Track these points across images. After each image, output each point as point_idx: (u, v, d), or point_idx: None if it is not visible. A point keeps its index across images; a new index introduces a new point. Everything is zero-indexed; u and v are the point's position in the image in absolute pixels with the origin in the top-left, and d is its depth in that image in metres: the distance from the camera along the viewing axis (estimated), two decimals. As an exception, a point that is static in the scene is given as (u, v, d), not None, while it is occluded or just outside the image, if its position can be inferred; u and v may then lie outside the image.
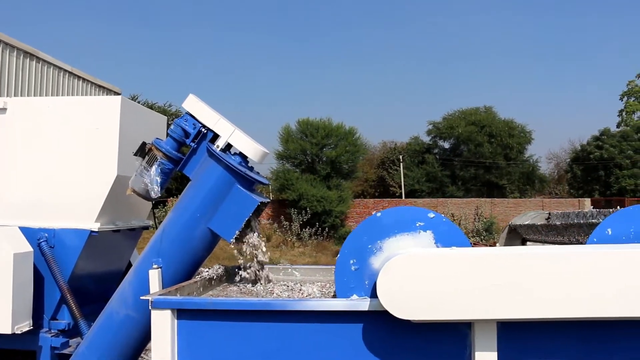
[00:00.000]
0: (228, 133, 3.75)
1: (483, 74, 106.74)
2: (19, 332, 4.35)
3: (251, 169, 3.85)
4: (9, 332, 4.27)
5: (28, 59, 21.94)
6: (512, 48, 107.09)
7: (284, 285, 3.97)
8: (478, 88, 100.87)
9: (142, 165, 3.90)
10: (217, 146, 3.72)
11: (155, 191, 3.84)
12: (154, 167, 3.83)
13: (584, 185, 51.84)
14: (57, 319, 4.79)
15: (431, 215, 2.96)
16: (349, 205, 34.48)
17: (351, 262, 2.94)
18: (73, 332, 4.71)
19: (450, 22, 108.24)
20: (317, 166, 35.39)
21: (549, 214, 4.71)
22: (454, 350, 2.70)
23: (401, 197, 45.68)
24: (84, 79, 26.23)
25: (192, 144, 3.82)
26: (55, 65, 23.06)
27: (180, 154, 3.88)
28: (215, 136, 3.79)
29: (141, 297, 3.00)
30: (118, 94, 29.76)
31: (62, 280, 4.65)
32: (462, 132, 50.00)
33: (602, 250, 2.59)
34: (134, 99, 46.29)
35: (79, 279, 4.84)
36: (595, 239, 2.95)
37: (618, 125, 58.84)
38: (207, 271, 3.74)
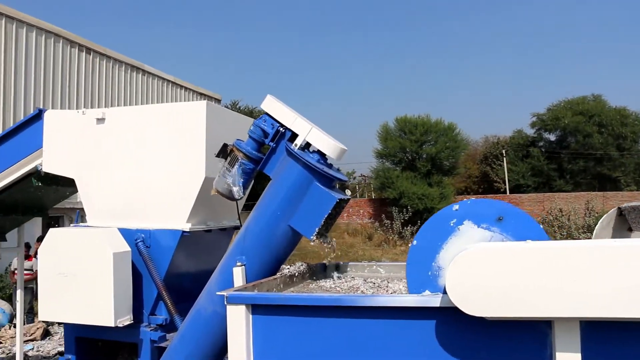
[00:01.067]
0: (305, 131, 3.80)
1: (589, 60, 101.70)
2: (121, 325, 4.64)
3: (330, 166, 3.88)
4: (112, 324, 4.56)
5: (135, 72, 23.15)
6: (621, 31, 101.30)
7: (371, 282, 3.97)
8: (584, 76, 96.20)
9: (225, 167, 4.02)
10: (296, 145, 3.78)
11: (238, 191, 3.95)
12: (235, 168, 3.95)
13: None
14: (155, 315, 5.04)
15: (505, 207, 2.86)
16: (451, 202, 33.92)
17: (451, 222, 2.91)
18: (170, 327, 4.94)
19: (552, 3, 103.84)
20: (417, 163, 35.07)
21: (620, 208, 4.38)
22: (533, 350, 2.57)
23: (505, 193, 44.29)
24: (185, 88, 27.35)
25: (271, 144, 3.90)
26: (159, 77, 24.20)
27: (261, 154, 3.97)
28: (294, 135, 3.85)
29: (217, 293, 3.10)
30: (219, 100, 30.80)
31: (158, 278, 4.89)
32: (568, 123, 47.87)
33: None
34: (234, 104, 47.67)
35: (174, 276, 5.06)
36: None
37: None
38: (289, 268, 3.80)
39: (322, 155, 3.80)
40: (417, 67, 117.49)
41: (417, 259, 2.90)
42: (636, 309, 2.30)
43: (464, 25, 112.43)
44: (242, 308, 2.88)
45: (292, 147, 3.76)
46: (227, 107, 46.84)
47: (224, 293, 3.02)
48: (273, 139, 3.90)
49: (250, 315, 2.90)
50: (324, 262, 4.35)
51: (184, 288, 5.23)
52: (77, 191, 5.62)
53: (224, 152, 4.07)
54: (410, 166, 35.45)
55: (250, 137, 3.99)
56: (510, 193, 44.13)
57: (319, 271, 4.21)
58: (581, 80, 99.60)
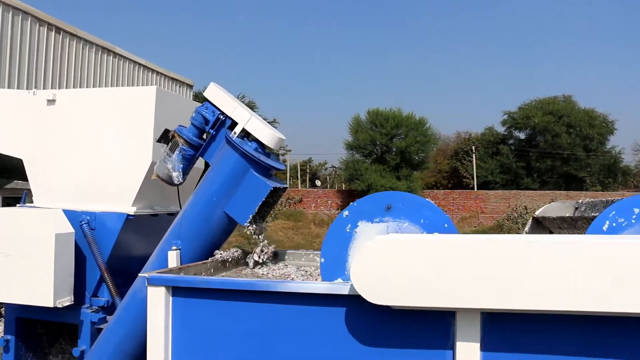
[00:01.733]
0: (244, 120, 3.86)
1: (562, 62, 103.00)
2: (60, 306, 4.64)
3: (268, 155, 3.95)
4: (51, 305, 4.57)
5: (106, 54, 22.85)
6: (593, 33, 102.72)
7: (304, 270, 4.05)
8: (556, 76, 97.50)
9: (166, 152, 4.07)
10: (235, 133, 3.83)
11: (177, 177, 4.01)
12: (175, 154, 4.00)
13: (670, 178, 49.16)
14: (97, 296, 5.06)
15: (446, 225, 2.98)
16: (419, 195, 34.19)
17: (347, 227, 3.00)
18: (112, 309, 4.96)
19: (528, 6, 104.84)
20: (387, 156, 35.31)
21: (577, 202, 4.55)
22: (437, 339, 2.66)
23: (474, 189, 44.78)
24: (157, 72, 27.09)
25: (212, 131, 3.96)
26: (130, 60, 23.92)
27: (201, 140, 4.02)
28: (234, 123, 3.90)
29: (139, 274, 3.16)
30: (191, 86, 30.61)
31: (101, 260, 4.91)
32: (538, 122, 48.55)
33: (597, 240, 2.47)
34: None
35: (118, 259, 5.08)
36: (597, 229, 2.88)
37: None
38: (222, 254, 3.86)
39: (260, 144, 3.86)
40: (394, 61, 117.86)
41: (329, 276, 3.02)
42: (532, 301, 2.40)
43: (442, 22, 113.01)
44: (162, 290, 2.94)
45: (230, 135, 3.81)
46: (200, 93, 46.68)
47: (146, 274, 3.08)
48: (213, 126, 3.95)
49: (171, 297, 2.96)
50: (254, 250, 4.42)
51: (130, 271, 5.25)
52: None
53: (165, 137, 4.11)
54: (380, 159, 35.70)
55: (191, 123, 4.04)
56: (478, 189, 44.61)
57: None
58: (553, 80, 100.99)
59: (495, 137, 52.55)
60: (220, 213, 3.83)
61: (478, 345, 2.58)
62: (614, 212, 2.88)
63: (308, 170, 64.67)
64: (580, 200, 4.34)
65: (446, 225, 2.99)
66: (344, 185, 43.65)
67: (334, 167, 55.88)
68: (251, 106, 48.51)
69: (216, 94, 3.98)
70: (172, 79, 28.53)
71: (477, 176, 48.82)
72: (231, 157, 3.79)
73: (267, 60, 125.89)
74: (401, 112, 36.16)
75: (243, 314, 2.84)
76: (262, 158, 3.79)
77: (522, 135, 52.43)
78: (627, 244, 2.37)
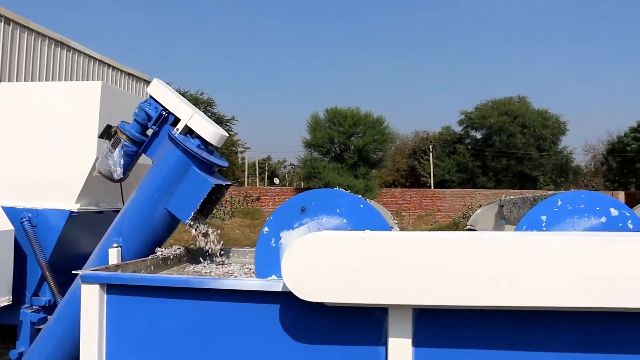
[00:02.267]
0: (187, 117, 3.82)
1: (517, 63, 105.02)
2: (-3, 306, 4.52)
3: (211, 152, 3.92)
4: (-14, 306, 4.45)
5: (59, 48, 22.38)
6: (548, 36, 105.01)
7: (247, 268, 4.04)
8: (512, 77, 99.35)
9: (108, 148, 4.01)
10: (177, 129, 3.80)
11: (118, 173, 3.95)
12: (117, 150, 3.94)
13: (619, 178, 50.66)
14: (38, 296, 4.96)
15: (361, 205, 3.00)
16: (375, 194, 34.43)
17: (271, 242, 3.01)
18: (54, 308, 4.87)
19: (486, 8, 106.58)
20: (345, 155, 35.44)
21: (501, 200, 4.67)
22: (370, 335, 2.68)
23: (430, 187, 45.33)
24: (113, 67, 26.66)
25: (154, 127, 3.91)
26: (85, 54, 23.47)
27: (144, 136, 3.97)
28: (176, 120, 3.86)
29: (72, 272, 3.11)
30: (148, 82, 30.30)
31: (43, 259, 4.81)
32: (494, 122, 49.39)
33: (523, 236, 2.54)
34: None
35: (61, 257, 4.99)
36: (525, 226, 2.95)
37: (657, 117, 57.19)
38: (163, 251, 3.82)
39: (203, 141, 3.83)
40: (353, 60, 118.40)
41: (265, 245, 3.02)
42: (462, 297, 2.44)
43: (400, 21, 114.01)
44: (96, 287, 2.89)
45: (173, 132, 3.77)
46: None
47: (79, 272, 3.03)
48: (156, 123, 3.91)
49: (105, 295, 2.92)
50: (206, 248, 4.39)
51: (74, 269, 5.16)
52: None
53: (108, 133, 4.04)
54: (338, 157, 35.81)
55: (134, 119, 3.98)
56: (435, 187, 45.18)
57: (199, 255, 4.25)
58: (508, 81, 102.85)
59: (452, 137, 53.29)
60: (162, 210, 3.78)
61: (410, 340, 2.61)
62: (541, 209, 2.98)
63: (267, 168, 64.54)
64: (503, 197, 4.45)
65: (362, 206, 3.02)
66: (302, 184, 43.68)
67: (293, 165, 55.87)
68: (209, 103, 48.05)
69: (159, 90, 3.93)
70: (129, 74, 28.11)
71: (434, 175, 49.45)
72: (173, 154, 3.75)
73: (226, 57, 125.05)
74: (359, 111, 36.33)
75: (177, 311, 2.82)
76: (205, 155, 3.76)
77: (478, 135, 53.32)
78: (555, 239, 2.44)
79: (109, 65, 25.98)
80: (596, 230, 2.93)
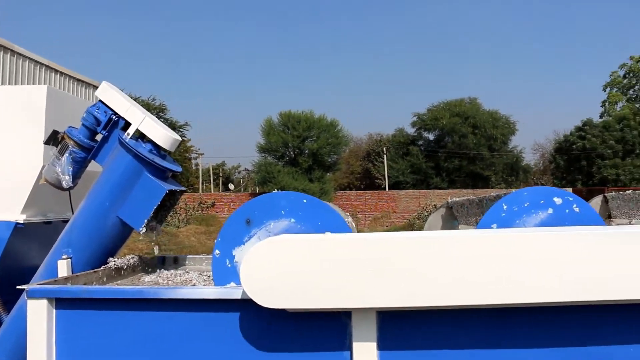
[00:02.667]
0: (138, 121, 3.69)
1: (468, 65, 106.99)
2: None
3: (164, 157, 3.80)
4: None
5: (2, 52, 21.66)
6: (498, 39, 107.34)
7: (206, 275, 3.92)
8: (463, 79, 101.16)
9: (55, 155, 3.84)
10: (128, 134, 3.66)
11: (67, 180, 3.78)
12: (65, 156, 3.78)
13: (566, 176, 52.02)
14: (-18, 313, 4.71)
15: (304, 200, 2.93)
16: (331, 197, 34.49)
17: (226, 263, 2.91)
18: (-1, 327, 4.64)
19: (436, 12, 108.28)
20: (299, 159, 35.41)
21: (447, 202, 4.72)
22: (334, 340, 2.61)
23: (385, 189, 45.69)
24: (62, 73, 25.98)
25: (104, 132, 3.76)
26: (31, 59, 22.81)
27: (93, 142, 3.82)
28: (127, 124, 3.73)
29: (18, 287, 2.95)
30: (97, 87, 29.66)
31: (-14, 273, 4.58)
32: (446, 124, 50.19)
33: (486, 234, 2.51)
34: (117, 93, 45.90)
35: (7, 271, 4.75)
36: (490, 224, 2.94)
37: (601, 116, 59.14)
38: (115, 261, 3.67)
39: (155, 145, 3.71)
40: (306, 63, 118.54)
41: (223, 251, 2.94)
42: (426, 298, 2.39)
43: (352, 24, 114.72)
44: (44, 302, 2.73)
45: (124, 137, 3.64)
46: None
47: (25, 287, 2.87)
48: (105, 127, 3.76)
49: (54, 310, 2.76)
50: (162, 255, 4.25)
51: (21, 284, 4.94)
52: None
53: (54, 139, 3.87)
54: (293, 161, 35.76)
55: (82, 124, 3.82)
56: (389, 189, 45.54)
57: (154, 264, 4.11)
58: (460, 82, 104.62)
59: (405, 139, 53.88)
60: (113, 218, 3.64)
61: (375, 344, 2.55)
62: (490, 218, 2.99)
63: (221, 174, 63.99)
64: (449, 200, 4.48)
65: (305, 201, 2.95)
66: (257, 189, 43.47)
67: (247, 170, 55.58)
68: (162, 109, 47.47)
69: (108, 94, 3.78)
70: (78, 80, 27.50)
71: (388, 177, 49.87)
72: (124, 159, 3.61)
73: (178, 62, 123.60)
74: (313, 115, 36.41)
75: (132, 324, 2.68)
76: (157, 160, 3.63)
77: (431, 136, 54.10)
78: (518, 236, 2.42)
79: (56, 71, 25.34)
80: (547, 223, 2.96)
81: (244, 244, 2.90)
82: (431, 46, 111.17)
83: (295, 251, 2.41)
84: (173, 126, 48.90)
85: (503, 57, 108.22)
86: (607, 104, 60.56)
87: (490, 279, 2.37)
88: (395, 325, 2.58)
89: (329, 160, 36.72)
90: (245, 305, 2.53)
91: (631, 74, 60.43)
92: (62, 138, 3.82)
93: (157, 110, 47.23)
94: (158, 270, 4.01)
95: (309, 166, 34.85)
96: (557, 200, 3.01)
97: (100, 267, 3.64)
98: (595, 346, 2.56)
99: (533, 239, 2.40)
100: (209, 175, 59.48)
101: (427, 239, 2.43)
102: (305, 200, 2.95)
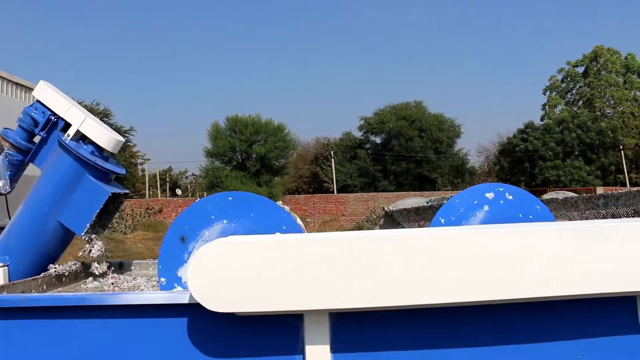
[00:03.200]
0: (79, 121, 3.56)
1: (414, 69, 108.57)
2: None
3: (107, 159, 3.67)
4: None
5: None
6: (441, 43, 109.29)
7: (155, 280, 3.79)
8: (409, 83, 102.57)
9: (-11, 158, 3.66)
10: (68, 135, 3.52)
11: (3, 185, 3.61)
12: (0, 159, 3.61)
13: (510, 177, 53.32)
14: None
15: (230, 198, 2.88)
16: (280, 200, 34.39)
17: (176, 288, 2.83)
18: None
19: (379, 17, 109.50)
20: (247, 163, 35.20)
21: (388, 210, 4.75)
22: (286, 344, 2.53)
23: (334, 193, 45.83)
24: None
25: (42, 134, 3.61)
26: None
27: (31, 144, 3.66)
28: (67, 125, 3.58)
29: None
30: (31, 89, 28.85)
31: None
32: (393, 127, 50.74)
33: (433, 233, 2.45)
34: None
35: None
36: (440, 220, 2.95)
37: (542, 119, 60.86)
38: (56, 268, 3.52)
39: (97, 147, 3.58)
40: (252, 67, 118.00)
41: (168, 255, 2.86)
42: (378, 299, 2.35)
43: (302, 28, 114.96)
44: (-23, 313, 2.58)
45: (63, 138, 3.49)
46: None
47: (-46, 297, 2.70)
48: (44, 129, 3.60)
49: (-9, 322, 2.61)
50: (108, 262, 4.10)
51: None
52: None
53: (-12, 142, 3.69)
54: (240, 166, 35.52)
55: (19, 126, 3.66)
56: (338, 193, 45.69)
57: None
58: (405, 86, 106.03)
59: (352, 142, 54.24)
60: (54, 223, 3.49)
61: (328, 347, 2.49)
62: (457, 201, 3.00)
63: (168, 180, 63.03)
64: (390, 208, 4.51)
65: (230, 198, 2.90)
66: (205, 193, 42.97)
67: (195, 175, 54.92)
68: (106, 114, 46.42)
69: (47, 94, 3.63)
70: (16, 83, 26.67)
71: (336, 180, 50.05)
72: (64, 162, 3.47)
73: (122, 65, 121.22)
74: (260, 119, 36.25)
75: (75, 333, 2.55)
76: (100, 162, 3.51)
77: (378, 140, 54.63)
78: (468, 234, 2.40)
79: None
80: (489, 220, 3.01)
81: (186, 262, 2.81)
82: (376, 50, 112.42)
83: (243, 253, 2.33)
84: (118, 131, 47.93)
85: (447, 61, 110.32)
86: (547, 107, 62.52)
87: (442, 278, 2.34)
88: (349, 327, 2.52)
89: (277, 164, 36.62)
90: (193, 310, 2.43)
91: (568, 79, 62.56)
92: (-3, 141, 3.65)
93: (102, 115, 46.19)
94: (103, 277, 3.87)
95: (257, 170, 34.68)
96: (489, 195, 3.06)
97: (40, 275, 3.49)
98: (544, 342, 2.58)
99: (482, 236, 2.39)
100: (156, 181, 58.47)
101: (378, 239, 2.39)
102: (230, 198, 2.89)
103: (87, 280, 3.73)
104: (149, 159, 57.97)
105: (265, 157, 34.78)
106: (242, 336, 2.54)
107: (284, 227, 2.84)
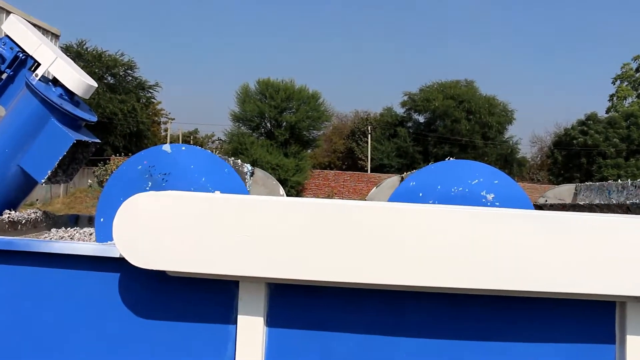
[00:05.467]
0: (49, 61, 3.61)
1: (467, 46, 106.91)
2: None
3: (77, 104, 3.72)
4: None
5: None
6: (499, 20, 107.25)
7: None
8: (461, 60, 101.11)
9: (-50, 93, 3.74)
10: (37, 75, 3.58)
11: (-40, 122, 3.70)
12: (-39, 95, 3.69)
13: (564, 172, 52.39)
14: None
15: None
16: (306, 175, 34.43)
17: (113, 197, 2.89)
18: None
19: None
20: (276, 131, 35.24)
21: (402, 177, 4.70)
22: (219, 312, 2.56)
23: (367, 172, 45.71)
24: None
25: (8, 71, 3.67)
26: None
27: (-3, 81, 3.73)
28: (37, 65, 3.64)
29: None
30: (57, 36, 29.11)
31: None
32: (438, 106, 50.13)
33: (384, 206, 2.40)
34: (81, 44, 45.42)
35: None
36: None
37: (607, 111, 59.23)
38: (10, 213, 3.60)
39: (67, 90, 3.63)
40: (294, 34, 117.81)
41: (105, 207, 2.94)
42: (318, 273, 2.35)
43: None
44: None
45: (31, 78, 3.55)
46: (71, 46, 44.61)
47: None
48: (10, 66, 3.66)
49: None
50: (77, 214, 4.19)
51: None
52: None
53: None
54: (269, 134, 35.60)
55: (-17, 60, 3.73)
56: (372, 172, 45.57)
57: (64, 222, 4.05)
58: (457, 63, 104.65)
59: (393, 119, 53.81)
60: (14, 167, 3.57)
61: (262, 319, 2.51)
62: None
63: (191, 142, 63.60)
64: (405, 174, 4.45)
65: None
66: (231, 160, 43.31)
67: (220, 140, 55.27)
68: (130, 66, 46.93)
69: (17, 28, 3.68)
70: (35, 25, 27.03)
71: (372, 158, 49.87)
72: (30, 103, 3.54)
73: (150, 18, 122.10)
74: (294, 84, 36.15)
75: (2, 278, 2.64)
76: (67, 106, 3.56)
77: (421, 119, 54.06)
78: (426, 211, 2.37)
79: (9, 12, 24.73)
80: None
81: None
82: (429, 22, 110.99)
83: (179, 208, 2.35)
84: (142, 86, 48.47)
85: (505, 40, 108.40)
86: (615, 98, 60.65)
87: (390, 257, 2.31)
88: (287, 301, 2.54)
89: (308, 135, 36.59)
90: (125, 266, 2.47)
91: (645, 68, 60.43)
92: (-40, 75, 3.73)
93: (125, 67, 46.74)
94: (67, 229, 3.95)
95: (285, 140, 34.71)
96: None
97: (-2, 220, 3.58)
98: (495, 341, 2.56)
99: (444, 216, 2.36)
100: (179, 142, 59.00)
101: (325, 207, 2.36)
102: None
103: (51, 231, 3.81)
104: (174, 119, 58.53)
105: (295, 126, 34.73)
106: (173, 299, 2.58)
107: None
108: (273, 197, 2.45)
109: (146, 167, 2.98)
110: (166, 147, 3.01)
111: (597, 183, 4.58)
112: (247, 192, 2.89)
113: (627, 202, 3.79)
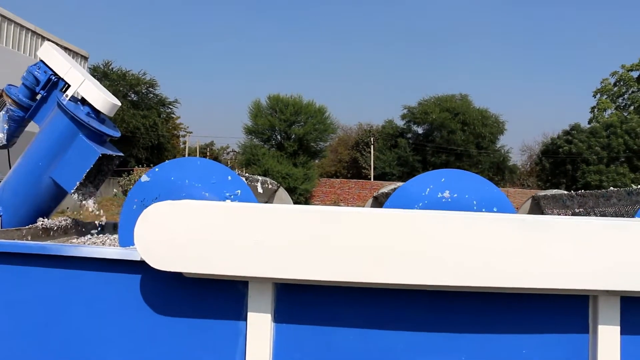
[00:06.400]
0: (77, 83, 3.68)
1: (461, 61, 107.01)
2: None
3: (103, 121, 3.79)
4: None
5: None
6: (493, 37, 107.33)
7: None
8: (455, 75, 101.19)
9: (-9, 113, 3.82)
10: (67, 96, 3.65)
11: (1, 138, 3.77)
12: (2, 114, 3.76)
13: (551, 178, 52.31)
14: None
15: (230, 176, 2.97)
16: (314, 183, 34.50)
17: (134, 207, 2.94)
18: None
19: (434, 5, 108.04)
20: (285, 143, 35.34)
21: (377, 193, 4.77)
22: (230, 309, 2.62)
23: (371, 180, 45.76)
24: (48, 39, 25.55)
25: (42, 92, 3.74)
26: (16, 23, 22.54)
27: (32, 101, 3.80)
28: (67, 86, 3.71)
29: None
30: (86, 57, 29.19)
31: None
32: (436, 118, 50.24)
33: (384, 213, 2.46)
34: (107, 64, 45.71)
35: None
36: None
37: (589, 122, 59.29)
38: (44, 221, 3.66)
39: (93, 109, 3.69)
40: (301, 51, 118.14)
41: (129, 212, 2.99)
42: (323, 272, 2.39)
43: (349, 14, 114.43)
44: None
45: (62, 98, 3.62)
46: (98, 67, 44.95)
47: None
48: (44, 87, 3.74)
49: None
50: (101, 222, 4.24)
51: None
52: None
53: (-8, 98, 3.85)
54: (279, 145, 35.72)
55: (22, 83, 3.80)
56: (375, 180, 45.59)
57: (90, 228, 4.10)
58: (451, 78, 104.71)
59: (394, 130, 53.94)
60: (47, 179, 3.64)
61: (270, 316, 2.56)
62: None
63: (208, 154, 63.82)
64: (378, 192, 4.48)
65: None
66: (244, 171, 43.47)
67: (234, 151, 55.46)
68: (152, 84, 47.20)
69: (50, 54, 3.76)
70: (66, 48, 27.17)
71: (374, 167, 49.93)
72: (61, 121, 3.60)
73: (174, 40, 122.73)
74: (302, 99, 36.29)
75: (36, 279, 2.69)
76: (94, 123, 3.62)
77: (419, 130, 54.19)
78: (424, 216, 2.42)
79: (42, 37, 24.68)
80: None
81: None
82: (426, 40, 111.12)
83: (194, 215, 2.41)
84: (163, 102, 48.72)
85: (496, 56, 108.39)
86: (595, 110, 60.79)
87: (388, 258, 2.36)
88: (292, 298, 2.60)
89: (315, 146, 36.68)
90: (145, 268, 2.53)
91: (621, 82, 60.63)
92: (0, 95, 3.81)
93: (147, 85, 47.01)
94: (93, 236, 4.00)
95: (294, 151, 34.82)
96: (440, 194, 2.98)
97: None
98: (488, 333, 2.59)
99: (439, 220, 2.40)
100: (196, 154, 59.24)
101: (328, 213, 2.42)
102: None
103: (81, 238, 3.87)
104: (191, 132, 58.73)
105: (303, 138, 34.87)
106: (189, 298, 2.63)
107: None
108: (278, 205, 2.49)
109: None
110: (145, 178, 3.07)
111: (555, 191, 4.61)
112: (256, 200, 2.94)
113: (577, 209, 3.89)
